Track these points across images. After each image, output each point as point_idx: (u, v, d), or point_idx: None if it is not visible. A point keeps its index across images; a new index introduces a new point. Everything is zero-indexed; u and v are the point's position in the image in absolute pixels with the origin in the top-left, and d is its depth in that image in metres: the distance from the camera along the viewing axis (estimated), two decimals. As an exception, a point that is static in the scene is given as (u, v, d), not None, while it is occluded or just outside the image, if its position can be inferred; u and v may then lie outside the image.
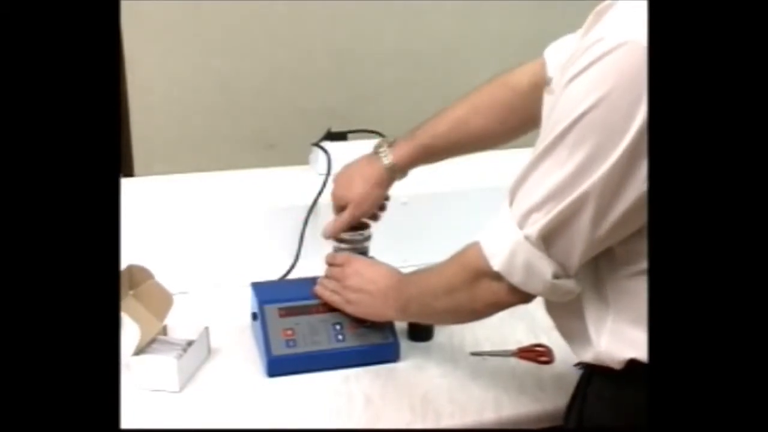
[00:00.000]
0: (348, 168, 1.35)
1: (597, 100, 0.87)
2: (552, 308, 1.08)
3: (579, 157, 0.90)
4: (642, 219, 0.90)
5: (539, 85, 1.17)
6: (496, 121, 1.26)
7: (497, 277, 1.01)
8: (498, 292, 1.03)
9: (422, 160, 1.30)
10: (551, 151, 0.92)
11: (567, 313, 1.04)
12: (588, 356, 1.02)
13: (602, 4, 0.94)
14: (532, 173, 0.96)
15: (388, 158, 1.29)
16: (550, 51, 1.20)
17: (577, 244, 0.95)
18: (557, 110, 0.92)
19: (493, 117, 1.26)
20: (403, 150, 1.29)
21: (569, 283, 0.99)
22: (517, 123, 1.25)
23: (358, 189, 1.30)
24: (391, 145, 1.30)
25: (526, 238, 0.96)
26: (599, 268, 1.00)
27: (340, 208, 1.34)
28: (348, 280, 1.27)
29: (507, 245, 0.99)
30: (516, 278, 1.00)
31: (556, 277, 0.98)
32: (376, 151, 1.31)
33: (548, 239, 0.96)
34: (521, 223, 0.97)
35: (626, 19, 0.86)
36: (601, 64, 0.86)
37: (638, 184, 0.88)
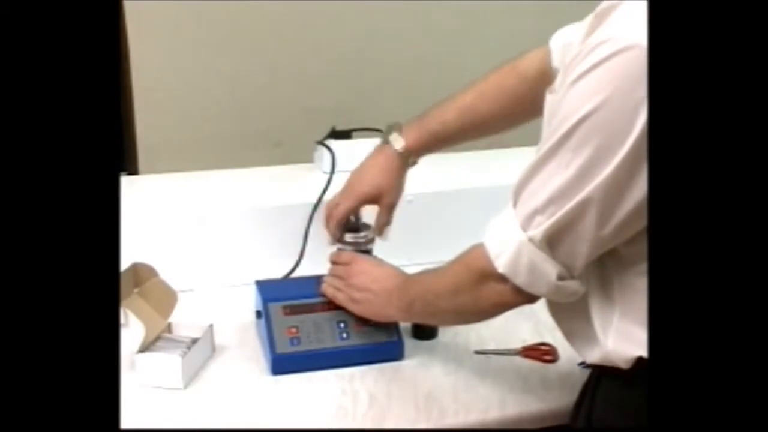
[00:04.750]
0: (360, 169, 1.33)
1: (600, 102, 0.87)
2: (556, 309, 1.08)
3: (582, 159, 0.90)
4: (646, 220, 0.90)
5: (546, 73, 1.18)
6: (503, 108, 1.26)
7: (502, 278, 1.01)
8: (503, 293, 1.03)
9: (432, 146, 1.30)
10: (555, 153, 0.92)
11: (572, 314, 1.04)
12: (595, 356, 1.02)
13: (604, 5, 0.93)
14: (535, 175, 0.95)
15: (399, 143, 1.29)
16: (554, 40, 1.20)
17: (582, 246, 0.95)
18: (561, 112, 0.92)
19: (500, 103, 1.26)
20: (414, 135, 1.29)
21: (574, 284, 0.99)
22: (524, 109, 1.24)
23: (378, 179, 1.29)
24: (399, 131, 1.30)
25: (530, 240, 0.96)
26: (606, 267, 0.99)
27: (355, 206, 1.32)
28: (353, 278, 1.27)
29: (511, 247, 0.99)
30: (520, 279, 1.00)
31: (560, 278, 0.98)
32: (386, 140, 1.30)
33: (552, 241, 0.96)
34: (525, 225, 0.97)
35: (631, 22, 0.85)
36: (606, 66, 0.86)
37: (642, 186, 0.88)
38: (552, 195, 0.93)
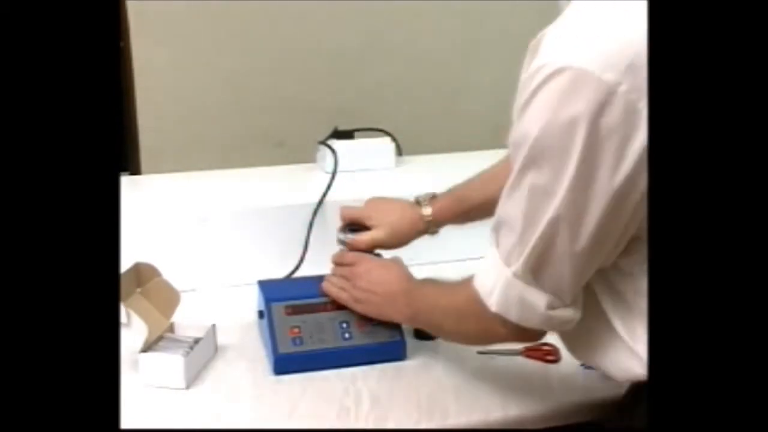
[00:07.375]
0: (387, 200, 1.36)
1: (541, 127, 0.89)
2: (577, 345, 1.08)
3: (541, 182, 0.91)
4: (618, 226, 0.91)
5: None
6: None
7: (499, 317, 1.02)
8: (502, 332, 1.04)
9: (456, 211, 1.32)
10: (517, 186, 0.94)
11: (599, 341, 1.03)
12: (637, 370, 0.99)
13: (536, 39, 0.96)
14: (506, 209, 0.97)
15: (427, 209, 1.32)
16: None
17: (564, 267, 0.95)
18: (514, 144, 0.94)
19: None
20: (441, 203, 1.32)
21: (566, 312, 0.99)
22: None
23: (391, 217, 1.32)
24: (431, 199, 1.33)
25: (515, 274, 0.98)
26: (612, 282, 0.99)
27: (352, 221, 1.33)
28: (358, 279, 1.27)
29: (499, 284, 1.00)
30: (513, 315, 1.01)
31: (550, 307, 0.98)
32: (417, 201, 1.33)
33: (535, 270, 0.96)
34: (507, 261, 0.98)
35: (558, 45, 0.89)
36: (543, 91, 0.89)
37: (600, 193, 0.89)
38: (522, 225, 0.95)
